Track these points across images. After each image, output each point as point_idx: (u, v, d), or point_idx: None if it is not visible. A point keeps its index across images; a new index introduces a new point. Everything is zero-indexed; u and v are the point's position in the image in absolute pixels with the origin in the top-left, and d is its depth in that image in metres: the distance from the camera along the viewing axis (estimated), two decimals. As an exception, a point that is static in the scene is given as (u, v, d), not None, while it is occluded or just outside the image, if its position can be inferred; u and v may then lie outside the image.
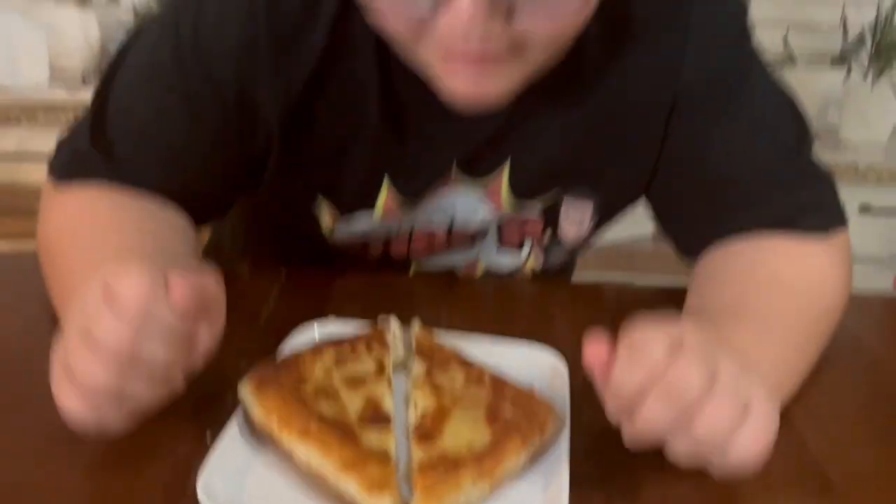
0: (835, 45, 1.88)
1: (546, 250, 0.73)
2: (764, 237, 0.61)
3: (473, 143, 0.62)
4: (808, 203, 0.62)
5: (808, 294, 0.58)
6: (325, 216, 0.67)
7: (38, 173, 0.64)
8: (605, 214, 0.70)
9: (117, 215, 0.58)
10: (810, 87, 1.85)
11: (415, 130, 0.61)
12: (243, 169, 0.63)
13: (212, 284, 0.43)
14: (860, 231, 1.72)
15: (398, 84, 0.57)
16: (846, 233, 0.64)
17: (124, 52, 0.62)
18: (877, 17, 1.78)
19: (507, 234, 0.72)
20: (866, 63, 1.81)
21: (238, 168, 0.63)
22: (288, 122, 0.59)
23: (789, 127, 0.63)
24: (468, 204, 0.67)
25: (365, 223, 0.67)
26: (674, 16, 0.59)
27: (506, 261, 0.74)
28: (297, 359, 0.49)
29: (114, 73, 0.61)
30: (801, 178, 0.62)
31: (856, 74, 1.84)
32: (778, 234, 0.61)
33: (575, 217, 0.69)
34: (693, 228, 0.66)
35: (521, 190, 0.65)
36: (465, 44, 0.46)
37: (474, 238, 0.71)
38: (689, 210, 0.66)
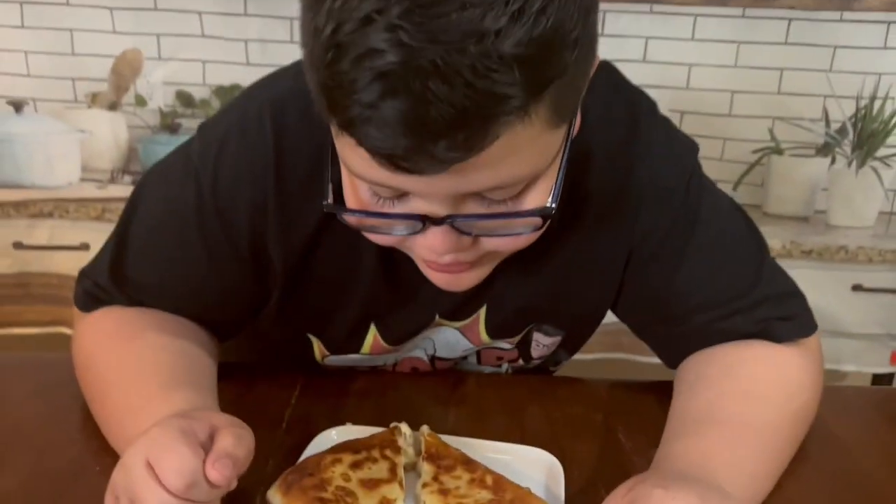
0: (818, 135, 1.98)
1: (523, 365, 0.79)
2: (740, 345, 0.65)
3: (457, 300, 0.67)
4: (778, 317, 0.65)
5: (783, 400, 0.62)
6: (316, 349, 0.73)
7: (67, 262, 0.69)
8: (573, 342, 0.77)
9: (145, 334, 0.64)
10: (797, 175, 1.93)
11: (405, 288, 0.66)
12: (256, 299, 0.68)
13: (244, 449, 0.48)
14: (855, 310, 1.78)
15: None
16: (816, 337, 0.68)
17: (142, 191, 0.66)
18: (856, 110, 1.88)
19: (485, 358, 0.78)
20: (849, 152, 1.90)
21: (251, 299, 0.68)
22: (290, 271, 0.65)
23: (748, 248, 0.67)
24: (449, 340, 0.73)
25: (352, 359, 0.73)
26: (623, 185, 0.64)
27: (486, 370, 0.80)
28: (319, 463, 0.55)
29: (132, 213, 0.65)
30: (767, 294, 0.65)
31: (840, 163, 1.93)
32: (753, 342, 0.65)
33: (546, 344, 0.75)
34: (667, 347, 0.71)
35: (496, 331, 0.72)
36: (439, 260, 0.54)
37: (456, 362, 0.78)
38: (660, 334, 0.71)
